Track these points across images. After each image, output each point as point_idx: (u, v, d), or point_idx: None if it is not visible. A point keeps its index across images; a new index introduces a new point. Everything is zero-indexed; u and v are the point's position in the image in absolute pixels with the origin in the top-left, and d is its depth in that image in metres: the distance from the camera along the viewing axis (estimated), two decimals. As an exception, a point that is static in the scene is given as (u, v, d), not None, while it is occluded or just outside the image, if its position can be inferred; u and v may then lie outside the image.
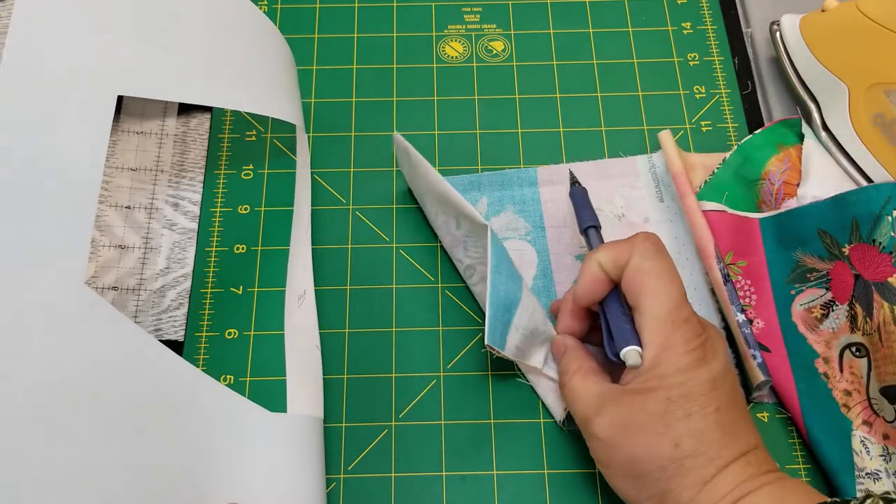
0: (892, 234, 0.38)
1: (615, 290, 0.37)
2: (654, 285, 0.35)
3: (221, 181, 0.47)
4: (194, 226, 0.46)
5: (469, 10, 0.54)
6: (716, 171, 0.45)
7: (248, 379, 0.42)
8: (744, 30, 0.52)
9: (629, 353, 0.35)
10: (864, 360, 0.39)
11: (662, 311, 0.34)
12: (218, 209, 0.47)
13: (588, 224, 0.41)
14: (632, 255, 0.36)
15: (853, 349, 0.39)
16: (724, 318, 0.43)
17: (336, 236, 0.46)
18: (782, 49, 0.48)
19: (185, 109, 0.50)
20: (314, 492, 0.36)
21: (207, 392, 0.35)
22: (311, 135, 0.49)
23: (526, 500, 0.39)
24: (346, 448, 0.41)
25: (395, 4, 0.54)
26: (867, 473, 0.38)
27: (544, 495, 0.39)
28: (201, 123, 0.49)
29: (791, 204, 0.43)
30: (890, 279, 0.38)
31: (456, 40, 0.52)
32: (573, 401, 0.36)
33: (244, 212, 0.47)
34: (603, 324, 0.38)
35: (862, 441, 0.38)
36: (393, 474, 0.40)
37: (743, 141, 0.46)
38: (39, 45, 0.32)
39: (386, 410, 0.41)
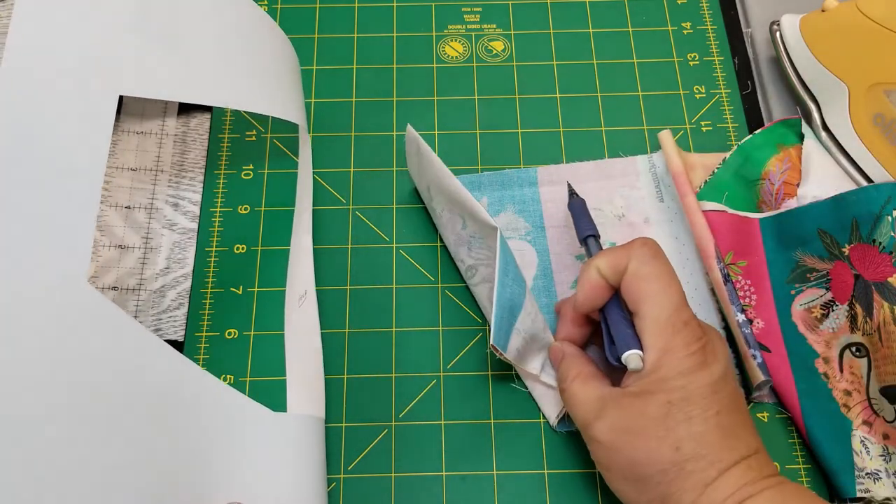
0: (892, 234, 0.38)
1: (615, 296, 0.37)
2: (653, 290, 0.35)
3: (221, 181, 0.47)
4: (194, 226, 0.46)
5: (469, 10, 0.54)
6: (716, 171, 0.45)
7: (247, 379, 0.42)
8: (744, 30, 0.52)
9: (630, 356, 0.35)
10: (864, 360, 0.39)
11: (662, 315, 0.34)
12: (218, 209, 0.47)
13: (587, 233, 0.41)
14: (630, 260, 0.36)
15: (853, 349, 0.39)
16: (724, 319, 0.43)
17: (336, 236, 0.46)
18: (782, 49, 0.48)
19: (185, 109, 0.50)
20: (315, 492, 0.36)
21: (210, 391, 0.35)
22: (311, 135, 0.49)
23: (526, 500, 0.39)
24: (346, 448, 0.41)
25: (395, 4, 0.54)
26: (867, 473, 0.38)
27: (544, 495, 0.39)
28: (201, 123, 0.49)
29: (791, 204, 0.43)
30: (890, 279, 0.38)
31: (456, 40, 0.52)
32: (573, 406, 0.36)
33: (244, 212, 0.47)
34: (604, 329, 0.38)
35: (862, 441, 0.38)
36: (393, 474, 0.40)
37: (743, 141, 0.46)
38: (41, 43, 0.32)
39: (386, 410, 0.41)
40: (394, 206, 0.47)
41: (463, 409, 0.41)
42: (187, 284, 0.44)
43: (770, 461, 0.34)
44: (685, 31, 0.53)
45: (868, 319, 0.38)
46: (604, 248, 0.41)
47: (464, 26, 0.53)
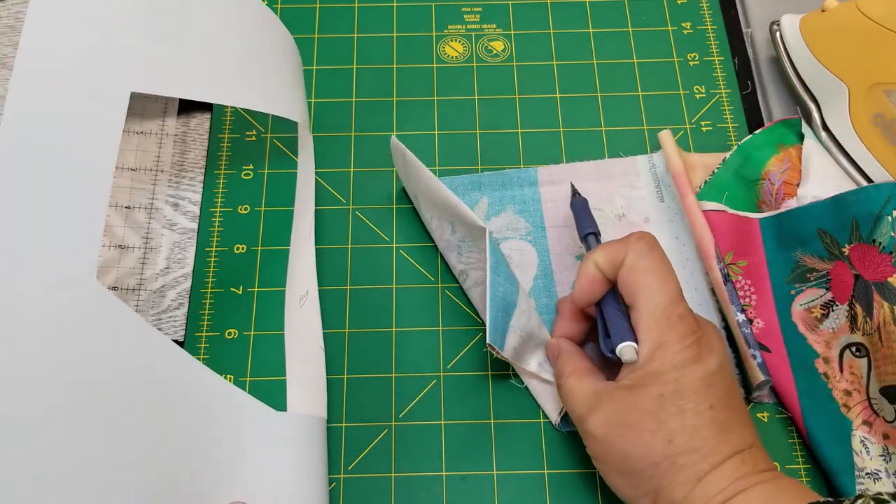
0: (892, 234, 0.38)
1: (612, 289, 0.38)
2: (648, 283, 0.35)
3: (221, 181, 0.47)
4: (194, 226, 0.46)
5: (469, 10, 0.54)
6: (716, 171, 0.45)
7: (247, 379, 0.42)
8: (744, 30, 0.52)
9: (625, 348, 0.35)
10: (864, 360, 0.39)
11: (658, 309, 0.34)
12: (218, 209, 0.47)
13: (587, 231, 0.41)
14: (627, 254, 0.36)
15: (853, 349, 0.39)
16: (724, 318, 0.43)
17: (336, 236, 0.46)
18: (782, 49, 0.48)
19: (185, 109, 0.50)
20: (317, 491, 0.36)
21: (213, 389, 0.35)
22: (311, 135, 0.49)
23: (526, 500, 0.39)
24: (346, 448, 0.41)
25: (395, 4, 0.54)
26: (867, 473, 0.38)
27: (544, 495, 0.39)
28: (201, 123, 0.49)
29: (791, 204, 0.43)
30: (890, 279, 0.38)
31: (456, 40, 0.52)
32: (569, 401, 0.36)
33: (244, 212, 0.47)
34: (599, 323, 0.38)
35: (862, 441, 0.38)
36: (393, 474, 0.40)
37: (743, 141, 0.46)
38: (53, 40, 0.32)
39: (386, 410, 0.41)
40: (394, 206, 0.47)
41: (463, 409, 0.41)
42: (187, 284, 0.44)
43: (766, 456, 0.34)
44: (685, 31, 0.53)
45: (868, 319, 0.38)
46: (603, 246, 0.41)
47: (464, 26, 0.53)
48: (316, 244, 0.44)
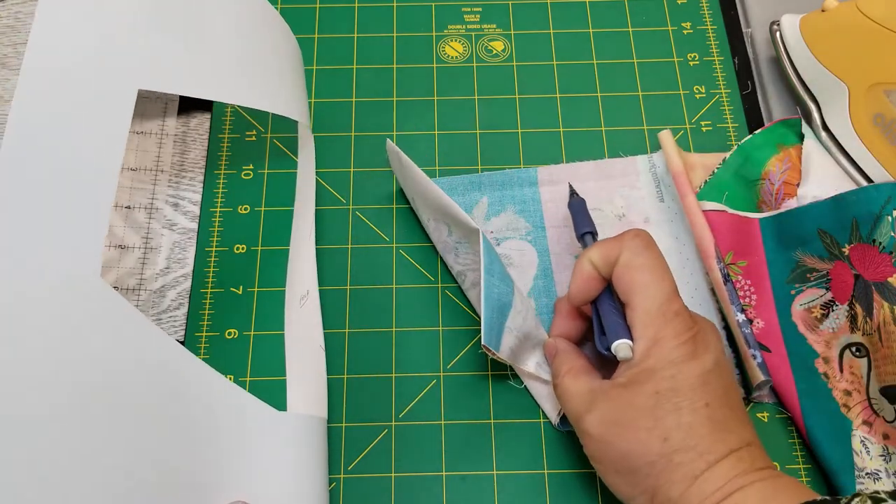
0: (892, 234, 0.38)
1: (608, 287, 0.38)
2: (644, 280, 0.35)
3: (221, 181, 0.47)
4: (194, 226, 0.46)
5: (469, 10, 0.54)
6: (716, 171, 0.45)
7: (247, 379, 0.42)
8: (744, 30, 0.52)
9: (620, 346, 0.35)
10: (864, 360, 0.39)
11: (653, 306, 0.34)
12: (218, 209, 0.47)
13: (585, 230, 0.41)
14: (622, 251, 0.36)
15: (853, 349, 0.39)
16: (724, 318, 0.43)
17: (336, 236, 0.46)
18: (782, 49, 0.48)
19: (185, 109, 0.50)
20: (317, 491, 0.36)
21: (215, 389, 0.35)
22: (311, 134, 0.49)
23: (526, 500, 0.39)
24: (346, 448, 0.41)
25: (395, 4, 0.54)
26: (867, 473, 0.38)
27: (544, 495, 0.39)
28: (201, 123, 0.49)
29: (791, 204, 0.43)
30: (890, 279, 0.38)
31: (456, 40, 0.52)
32: (565, 400, 0.36)
33: (244, 212, 0.47)
34: (595, 320, 0.38)
35: (862, 441, 0.38)
36: (393, 474, 0.40)
37: (743, 141, 0.46)
38: (59, 39, 0.32)
39: (386, 410, 0.41)
40: (394, 206, 0.47)
41: (463, 409, 0.41)
42: (187, 284, 0.44)
43: (764, 454, 0.33)
44: (685, 31, 0.53)
45: (868, 319, 0.38)
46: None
47: (464, 26, 0.53)
48: (316, 244, 0.44)
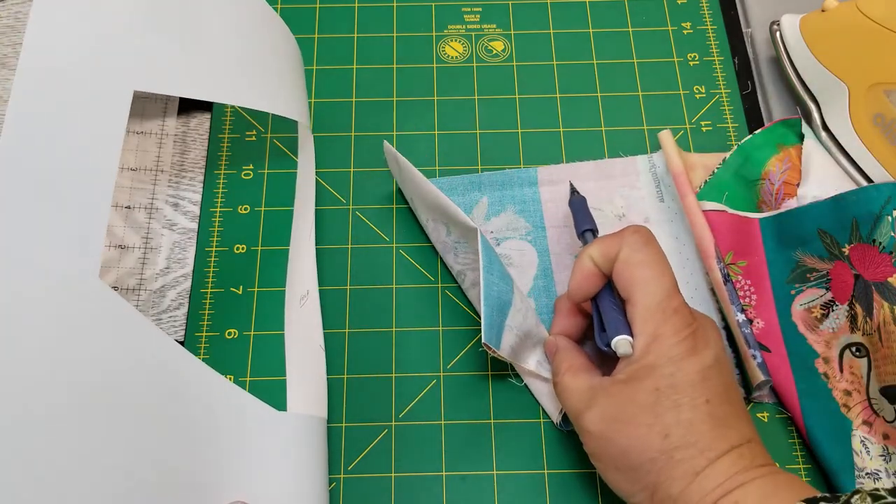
0: (892, 234, 0.38)
1: (608, 284, 0.38)
2: (643, 276, 0.35)
3: (221, 181, 0.47)
4: (194, 226, 0.46)
5: (469, 10, 0.54)
6: (716, 171, 0.45)
7: (247, 379, 0.42)
8: (744, 30, 0.52)
9: (620, 342, 0.35)
10: (864, 360, 0.39)
11: (653, 302, 0.34)
12: (218, 209, 0.47)
13: (585, 228, 0.41)
14: (621, 247, 0.36)
15: (853, 349, 0.39)
16: (724, 318, 0.43)
17: (336, 236, 0.46)
18: (782, 49, 0.48)
19: (185, 109, 0.50)
20: (317, 491, 0.36)
21: (215, 389, 0.35)
22: (311, 134, 0.49)
23: (526, 500, 0.39)
24: (346, 448, 0.41)
25: (395, 4, 0.54)
26: (867, 473, 0.38)
27: (544, 495, 0.39)
28: (201, 123, 0.49)
29: (791, 204, 0.43)
30: (890, 279, 0.38)
31: (456, 40, 0.52)
32: (565, 398, 0.36)
33: (244, 212, 0.47)
34: (595, 317, 0.38)
35: (862, 441, 0.38)
36: (393, 474, 0.40)
37: (743, 141, 0.46)
38: (56, 39, 0.32)
39: (386, 410, 0.41)
40: (394, 206, 0.47)
41: (463, 409, 0.41)
42: (187, 284, 0.44)
43: (764, 451, 0.33)
44: (685, 31, 0.53)
45: (868, 319, 0.38)
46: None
47: (464, 26, 0.53)
48: (316, 244, 0.44)
